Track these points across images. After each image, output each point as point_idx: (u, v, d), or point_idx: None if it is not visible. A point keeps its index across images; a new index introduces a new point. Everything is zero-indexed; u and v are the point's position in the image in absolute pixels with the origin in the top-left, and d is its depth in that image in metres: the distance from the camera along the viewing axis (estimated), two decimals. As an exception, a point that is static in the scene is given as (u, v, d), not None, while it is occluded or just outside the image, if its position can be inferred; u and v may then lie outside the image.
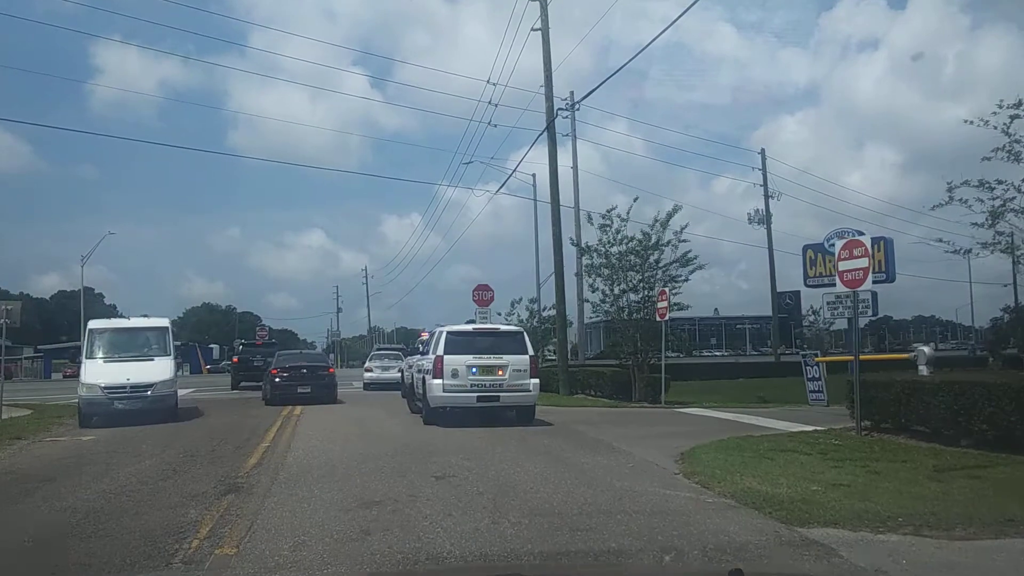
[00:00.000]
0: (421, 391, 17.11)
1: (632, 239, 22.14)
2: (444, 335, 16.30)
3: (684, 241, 22.29)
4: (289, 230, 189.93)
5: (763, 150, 44.67)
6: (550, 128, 25.91)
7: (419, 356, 18.79)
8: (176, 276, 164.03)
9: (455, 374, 15.86)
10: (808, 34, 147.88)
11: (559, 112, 24.91)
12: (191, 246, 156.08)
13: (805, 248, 39.12)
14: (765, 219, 42.22)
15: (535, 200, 36.74)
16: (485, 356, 16.01)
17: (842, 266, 13.66)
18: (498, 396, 15.91)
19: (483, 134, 49.51)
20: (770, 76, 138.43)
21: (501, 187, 30.15)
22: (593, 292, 22.77)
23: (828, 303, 38.47)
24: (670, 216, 22.21)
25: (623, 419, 17.82)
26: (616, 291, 22.34)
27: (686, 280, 22.48)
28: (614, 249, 22.25)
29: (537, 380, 16.34)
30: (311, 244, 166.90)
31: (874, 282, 37.04)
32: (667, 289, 21.24)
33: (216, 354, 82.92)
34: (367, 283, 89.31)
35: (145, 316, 24.42)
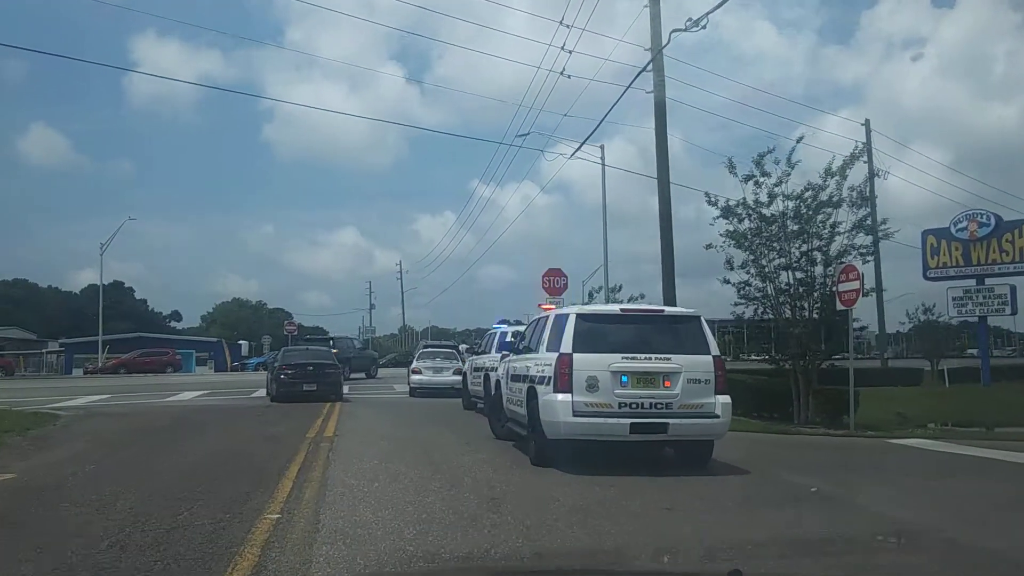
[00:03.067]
0: (525, 410, 10.42)
1: (798, 196, 15.31)
2: (572, 320, 9.59)
3: (867, 198, 15.43)
4: (322, 228, 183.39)
5: (867, 121, 37.22)
6: (656, 63, 19.19)
7: (512, 355, 12.08)
8: (210, 273, 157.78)
9: (592, 385, 9.18)
10: (849, 33, 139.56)
11: (674, 34, 18.03)
12: (226, 243, 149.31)
13: (925, 234, 31.91)
14: (870, 201, 34.84)
15: (603, 164, 29.89)
16: (642, 357, 9.31)
17: None
18: (665, 424, 9.19)
19: (550, 93, 42.38)
20: (810, 74, 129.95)
21: (584, 142, 24.48)
22: (734, 269, 15.88)
23: (954, 298, 31.67)
24: (850, 162, 15.36)
25: (846, 461, 11.03)
26: (770, 268, 15.52)
27: (871, 254, 15.66)
28: (767, 210, 15.42)
29: (728, 399, 9.58)
30: (344, 242, 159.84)
31: (1015, 273, 30.14)
32: (857, 264, 14.47)
33: (245, 351, 76.71)
34: (401, 278, 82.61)
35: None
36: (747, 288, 15.79)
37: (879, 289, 39.02)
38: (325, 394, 21.08)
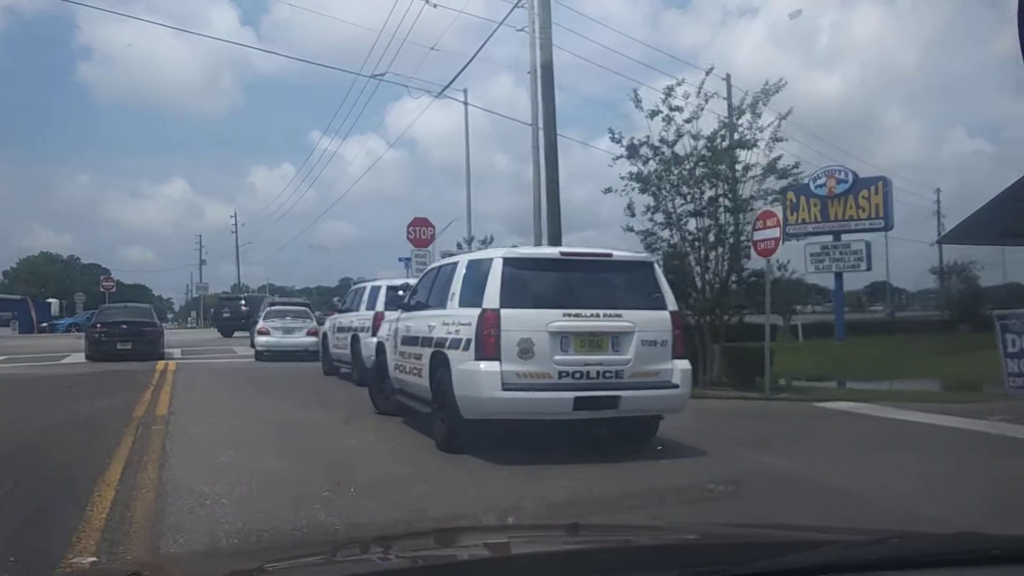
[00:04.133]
0: (426, 381, 8.21)
1: (709, 136, 13.81)
2: (497, 266, 7.42)
3: (780, 140, 14.12)
4: (147, 178, 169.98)
5: (728, 76, 36.73)
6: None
7: (403, 313, 9.76)
8: (16, 226, 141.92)
9: (526, 350, 7.10)
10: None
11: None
12: (34, 193, 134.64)
13: (785, 190, 32.21)
14: (730, 153, 34.59)
15: (466, 103, 27.71)
16: (587, 313, 7.33)
17: None
18: (616, 398, 7.25)
19: (409, 30, 38.50)
20: (649, 38, 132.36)
21: (454, 80, 22.27)
22: (636, 216, 14.24)
23: (812, 255, 31.89)
24: (768, 95, 13.96)
25: (792, 427, 9.67)
26: (677, 214, 13.98)
27: (777, 201, 14.44)
28: (680, 148, 13.83)
29: (687, 365, 7.79)
30: (171, 194, 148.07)
31: (870, 229, 30.70)
32: (776, 210, 13.11)
33: (55, 310, 68.79)
34: (237, 231, 75.99)
35: None
36: (651, 237, 14.21)
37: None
38: (142, 353, 20.05)
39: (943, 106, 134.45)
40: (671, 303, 7.74)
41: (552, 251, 7.84)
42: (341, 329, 15.56)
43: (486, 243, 23.64)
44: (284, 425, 9.52)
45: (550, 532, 2.97)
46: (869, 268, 30.93)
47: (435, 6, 22.64)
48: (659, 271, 8.00)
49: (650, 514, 5.61)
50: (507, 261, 7.48)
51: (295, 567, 2.19)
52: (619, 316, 7.37)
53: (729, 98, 36.13)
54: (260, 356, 20.81)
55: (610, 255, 7.97)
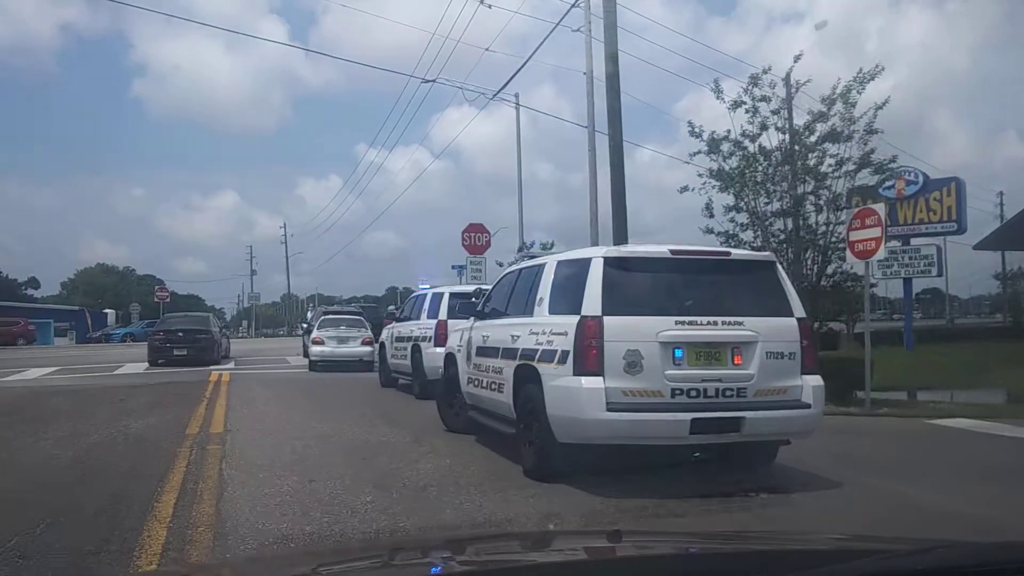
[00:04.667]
0: (508, 398, 7.22)
1: (798, 130, 12.71)
2: (598, 267, 6.36)
3: (875, 132, 12.90)
4: (198, 191, 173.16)
5: (788, 75, 35.35)
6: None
7: (476, 321, 8.76)
8: (75, 239, 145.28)
9: (634, 364, 6.05)
10: (732, 4, 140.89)
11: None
12: (91, 206, 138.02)
13: (850, 192, 30.76)
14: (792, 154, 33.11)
15: (518, 105, 26.69)
16: (703, 321, 6.23)
17: None
18: (739, 420, 6.14)
19: (462, 34, 37.50)
20: (694, 40, 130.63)
21: (509, 81, 21.51)
22: (714, 217, 13.09)
23: (879, 260, 30.24)
24: (862, 83, 12.77)
25: (914, 448, 8.46)
26: (762, 213, 12.84)
27: (872, 197, 13.27)
28: (759, 143, 12.72)
29: (820, 381, 6.62)
30: (222, 206, 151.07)
31: (942, 233, 29.02)
32: (881, 206, 11.87)
33: (111, 320, 69.46)
34: (286, 242, 76.06)
35: None
36: (732, 239, 13.06)
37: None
38: (196, 359, 21.38)
39: (992, 111, 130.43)
40: (798, 309, 6.61)
41: (661, 249, 6.75)
42: (400, 339, 14.64)
43: (546, 248, 22.53)
44: (349, 445, 8.59)
45: (591, 539, 3.00)
46: (940, 274, 29.25)
47: (490, 7, 21.87)
48: (783, 272, 6.88)
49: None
50: (608, 261, 6.42)
51: (349, 571, 2.17)
52: (740, 324, 6.28)
53: (789, 99, 34.75)
54: (314, 366, 20.02)
55: (728, 254, 6.90)
